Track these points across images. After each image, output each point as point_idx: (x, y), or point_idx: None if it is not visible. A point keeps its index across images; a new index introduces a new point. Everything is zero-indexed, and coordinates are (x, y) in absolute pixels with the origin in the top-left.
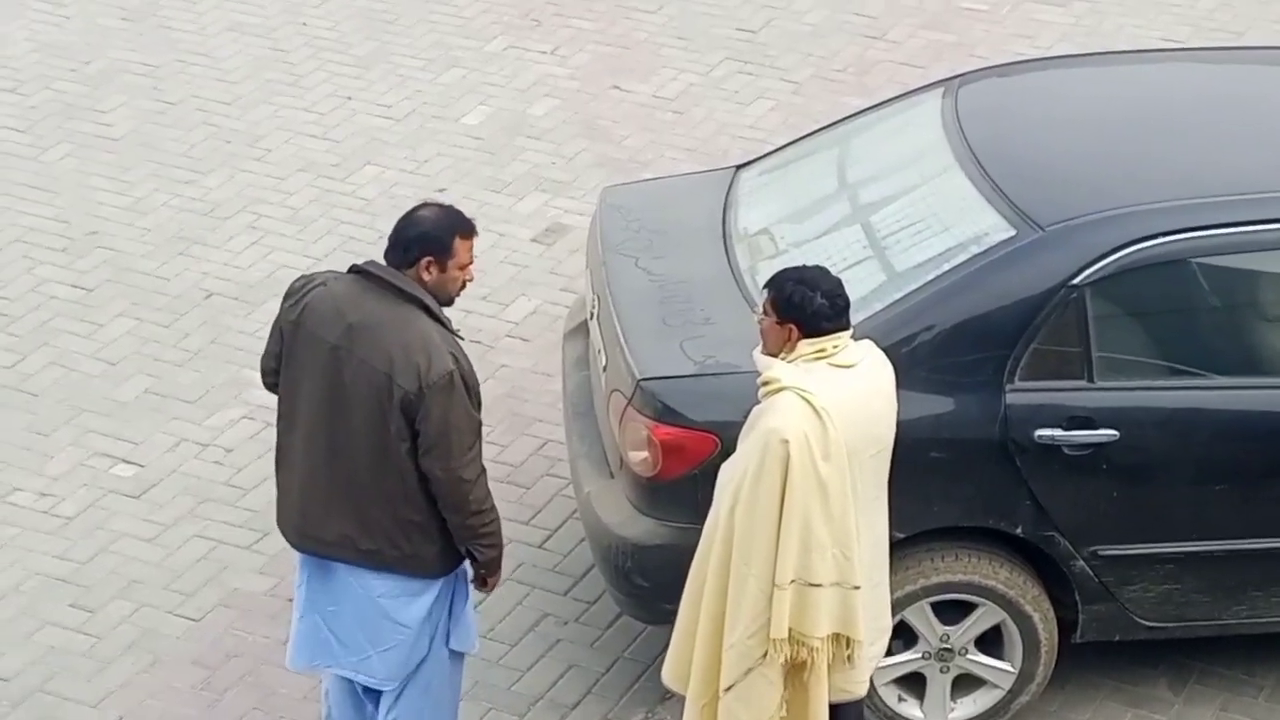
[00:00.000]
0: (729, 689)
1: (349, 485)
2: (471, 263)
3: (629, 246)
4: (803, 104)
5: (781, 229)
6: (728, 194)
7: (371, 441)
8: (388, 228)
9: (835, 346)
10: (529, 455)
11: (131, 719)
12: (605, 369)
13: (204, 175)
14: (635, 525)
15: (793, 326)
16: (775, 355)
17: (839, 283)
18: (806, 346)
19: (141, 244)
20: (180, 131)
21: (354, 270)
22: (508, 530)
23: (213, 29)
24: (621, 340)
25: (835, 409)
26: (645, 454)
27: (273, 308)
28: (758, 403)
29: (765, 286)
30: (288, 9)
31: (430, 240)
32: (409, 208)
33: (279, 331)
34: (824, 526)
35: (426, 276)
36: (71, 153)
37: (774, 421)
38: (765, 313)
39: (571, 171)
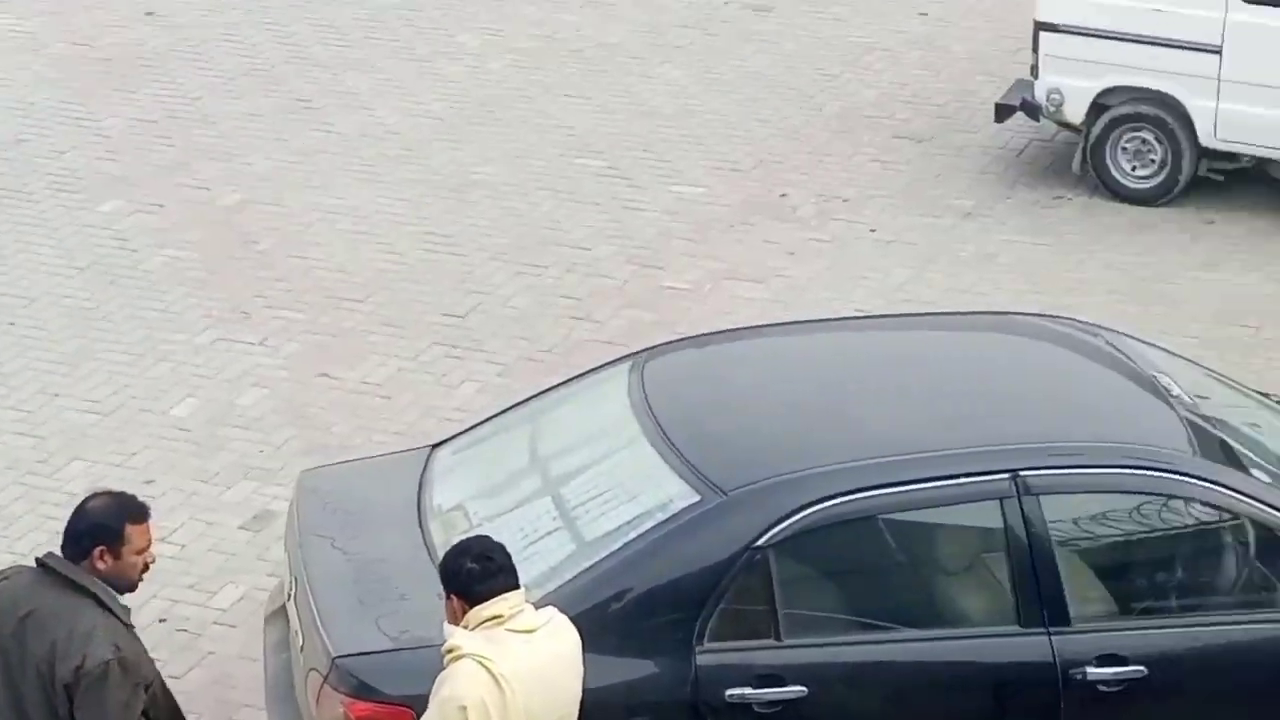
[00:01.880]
0: None
1: None
2: (149, 546)
3: (326, 527)
4: (508, 385)
5: (475, 504)
6: (423, 472)
7: None
8: None
9: (512, 608)
10: None
11: None
12: (303, 649)
13: None
14: None
15: (454, 595)
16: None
17: (496, 546)
18: (476, 614)
19: None
20: None
21: (38, 562)
22: None
23: None
24: (317, 620)
25: (514, 675)
26: None
27: None
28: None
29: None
30: None
31: (101, 530)
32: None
33: None
34: None
35: (101, 565)
36: None
37: (452, 689)
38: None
39: (279, 459)
